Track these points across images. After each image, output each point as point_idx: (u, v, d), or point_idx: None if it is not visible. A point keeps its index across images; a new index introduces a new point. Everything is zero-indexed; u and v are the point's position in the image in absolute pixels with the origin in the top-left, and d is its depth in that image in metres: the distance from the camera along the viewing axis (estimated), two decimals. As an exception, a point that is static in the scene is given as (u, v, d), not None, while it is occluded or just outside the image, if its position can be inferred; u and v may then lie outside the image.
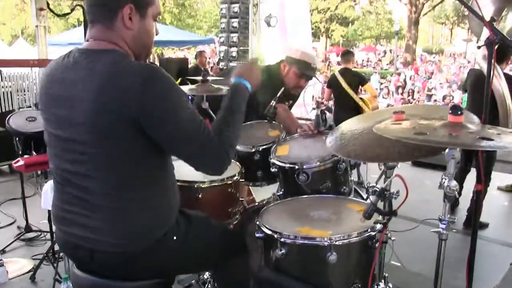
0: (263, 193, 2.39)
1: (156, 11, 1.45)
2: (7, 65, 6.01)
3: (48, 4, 5.74)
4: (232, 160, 2.19)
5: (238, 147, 2.25)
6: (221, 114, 1.47)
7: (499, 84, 2.99)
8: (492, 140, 1.23)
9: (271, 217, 1.69)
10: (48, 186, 2.51)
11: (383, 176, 1.61)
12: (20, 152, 3.49)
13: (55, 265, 2.70)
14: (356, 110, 5.22)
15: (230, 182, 2.04)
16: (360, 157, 1.68)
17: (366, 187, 1.61)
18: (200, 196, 1.95)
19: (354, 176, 2.12)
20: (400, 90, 15.96)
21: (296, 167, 1.93)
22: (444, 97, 13.54)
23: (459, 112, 1.32)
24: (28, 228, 3.48)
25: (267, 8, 7.69)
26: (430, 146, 1.36)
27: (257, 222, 1.62)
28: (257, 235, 1.59)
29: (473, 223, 1.77)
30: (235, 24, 7.71)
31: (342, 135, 1.71)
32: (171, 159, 1.50)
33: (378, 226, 1.52)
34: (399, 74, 18.38)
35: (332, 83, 5.65)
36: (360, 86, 5.57)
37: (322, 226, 1.59)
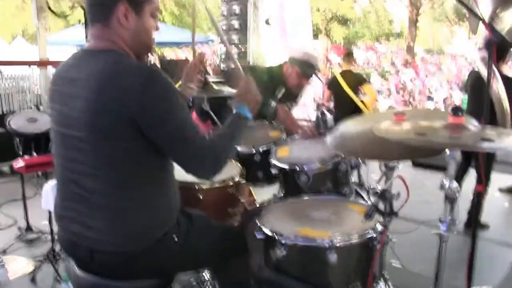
0: (263, 194, 2.39)
1: (153, 8, 1.44)
2: (7, 65, 6.02)
3: (48, 4, 5.74)
4: (233, 161, 2.21)
5: (239, 148, 2.26)
6: (220, 131, 1.52)
7: (496, 86, 3.01)
8: (493, 141, 1.23)
9: (272, 217, 1.70)
10: (49, 187, 2.52)
11: (384, 177, 1.61)
12: (21, 153, 3.50)
13: (55, 265, 2.70)
14: (356, 112, 5.21)
15: (231, 183, 2.05)
16: (360, 155, 1.69)
17: (367, 188, 1.61)
18: (201, 196, 1.96)
19: (354, 178, 2.12)
20: (400, 91, 15.93)
21: (297, 168, 1.93)
22: (444, 98, 13.53)
23: (460, 113, 1.32)
24: (28, 229, 3.48)
25: (267, 8, 7.68)
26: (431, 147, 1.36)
27: (258, 223, 1.62)
28: (257, 235, 1.59)
29: (473, 223, 1.77)
30: (236, 25, 7.70)
31: (342, 134, 1.71)
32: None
33: (379, 227, 1.52)
34: (399, 75, 18.35)
35: (332, 84, 5.66)
36: (360, 87, 5.57)
37: (322, 226, 1.59)
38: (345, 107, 5.35)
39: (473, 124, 1.40)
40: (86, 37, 1.49)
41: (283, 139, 2.27)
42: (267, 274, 1.60)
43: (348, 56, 5.82)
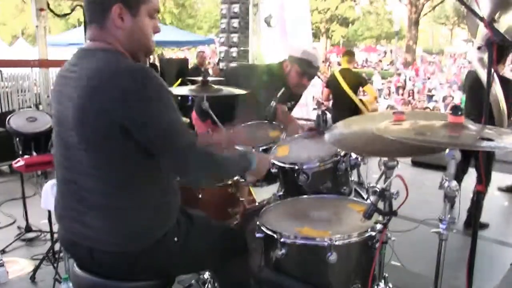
0: (263, 193, 2.39)
1: (151, 9, 1.42)
2: (7, 65, 6.02)
3: (48, 5, 5.74)
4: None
5: (238, 148, 2.25)
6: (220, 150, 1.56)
7: (493, 86, 3.02)
8: (493, 140, 1.23)
9: (271, 217, 1.69)
10: (48, 186, 2.52)
11: (383, 176, 1.61)
12: (20, 153, 3.50)
13: (55, 265, 2.70)
14: (354, 111, 5.19)
15: (231, 182, 2.04)
16: (359, 151, 1.69)
17: (366, 187, 1.61)
18: (200, 196, 1.96)
19: (354, 176, 2.11)
20: (400, 91, 15.94)
21: (296, 167, 1.93)
22: (444, 98, 13.53)
23: (459, 113, 1.32)
24: (28, 228, 3.49)
25: (267, 8, 7.68)
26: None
27: (257, 222, 1.62)
28: (257, 235, 1.59)
29: (473, 223, 1.77)
30: (235, 25, 7.69)
31: (341, 131, 1.71)
32: None
33: (378, 226, 1.52)
34: (399, 75, 18.37)
35: (331, 83, 5.64)
36: (360, 87, 5.55)
37: (322, 226, 1.59)
38: (344, 106, 5.33)
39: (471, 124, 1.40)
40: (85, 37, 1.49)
41: (283, 139, 2.27)
42: (267, 274, 1.60)
43: (348, 54, 5.79)
